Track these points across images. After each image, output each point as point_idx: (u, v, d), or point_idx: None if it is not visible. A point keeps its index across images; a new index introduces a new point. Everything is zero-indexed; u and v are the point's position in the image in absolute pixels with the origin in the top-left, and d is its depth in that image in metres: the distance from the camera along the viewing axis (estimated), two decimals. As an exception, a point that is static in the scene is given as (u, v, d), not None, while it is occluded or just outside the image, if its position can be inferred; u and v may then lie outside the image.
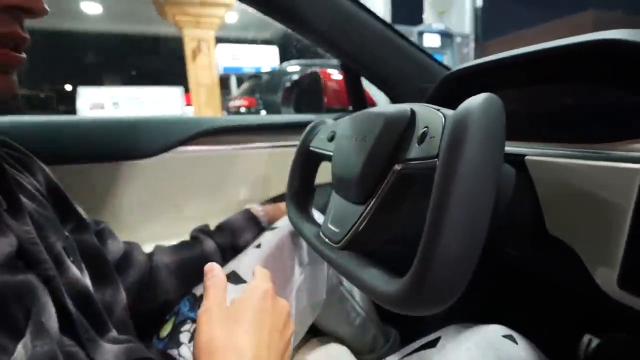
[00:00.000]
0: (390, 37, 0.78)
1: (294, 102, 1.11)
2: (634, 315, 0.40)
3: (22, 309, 0.29)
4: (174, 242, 0.62)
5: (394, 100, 0.87)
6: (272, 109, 4.40)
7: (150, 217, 0.76)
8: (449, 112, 0.31)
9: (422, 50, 0.82)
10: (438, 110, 0.33)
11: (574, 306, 0.67)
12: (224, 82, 8.01)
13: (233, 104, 4.90)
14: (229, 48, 8.10)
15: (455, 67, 0.61)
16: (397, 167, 0.37)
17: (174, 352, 0.49)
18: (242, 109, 4.60)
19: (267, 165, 0.85)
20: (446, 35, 4.34)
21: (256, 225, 0.68)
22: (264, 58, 8.14)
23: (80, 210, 0.49)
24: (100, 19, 9.27)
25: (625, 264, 0.33)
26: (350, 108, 0.99)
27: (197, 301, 0.56)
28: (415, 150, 0.34)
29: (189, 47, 7.55)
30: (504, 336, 0.43)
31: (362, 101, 0.94)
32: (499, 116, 0.26)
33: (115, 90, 7.10)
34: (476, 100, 0.27)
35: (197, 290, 0.58)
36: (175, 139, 0.74)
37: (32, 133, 0.64)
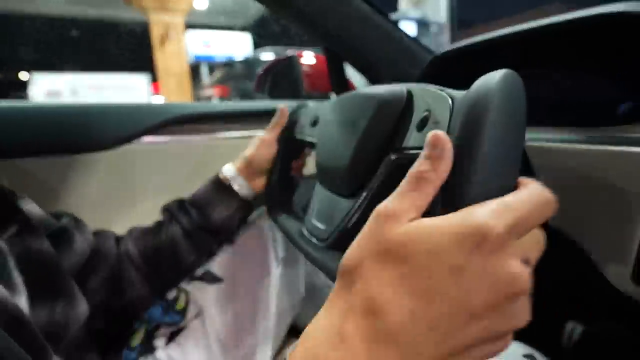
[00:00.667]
0: (374, 18, 0.73)
1: (268, 88, 1.05)
2: (628, 306, 0.38)
3: None
4: None
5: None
6: (246, 98, 4.28)
7: (108, 219, 0.68)
8: (456, 93, 0.27)
9: (407, 34, 0.78)
10: (442, 90, 0.29)
11: (556, 293, 0.67)
12: (194, 70, 7.71)
13: (205, 93, 4.73)
14: (200, 35, 7.79)
15: (446, 47, 0.58)
16: (392, 156, 0.33)
17: (147, 359, 0.44)
18: (215, 99, 4.45)
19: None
20: (422, 24, 4.34)
21: (229, 195, 0.53)
22: (237, 46, 7.89)
23: (31, 207, 0.42)
24: (59, 1, 8.64)
25: None
26: (333, 94, 0.94)
27: (170, 306, 0.51)
28: (414, 138, 0.30)
29: (156, 34, 7.19)
30: (525, 356, 0.40)
31: (344, 87, 0.90)
32: (521, 96, 0.23)
33: (73, 76, 6.66)
34: (494, 78, 0.23)
35: (170, 295, 0.52)
36: (137, 129, 0.66)
37: None
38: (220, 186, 0.54)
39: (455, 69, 0.58)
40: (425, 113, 0.29)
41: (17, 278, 0.37)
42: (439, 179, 0.22)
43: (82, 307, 0.41)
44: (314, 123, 0.49)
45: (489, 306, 0.18)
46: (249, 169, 0.54)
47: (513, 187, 0.22)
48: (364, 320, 0.19)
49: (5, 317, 0.29)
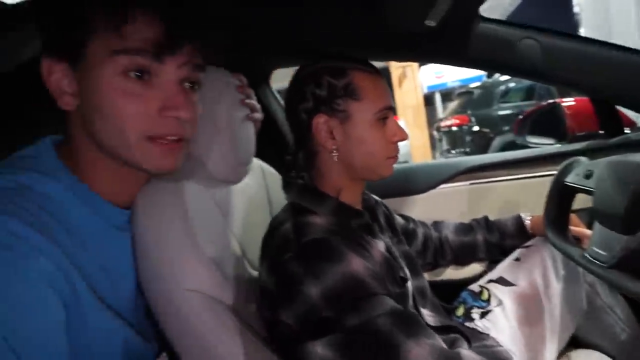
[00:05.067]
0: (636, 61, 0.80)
1: (528, 133, 1.20)
2: None
3: (396, 275, 0.59)
4: None
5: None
6: (486, 124, 4.29)
7: None
8: None
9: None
10: None
11: None
12: (428, 99, 8.30)
13: (444, 123, 5.07)
14: (431, 67, 8.35)
15: None
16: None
17: (470, 324, 0.74)
18: (454, 128, 4.71)
19: (513, 195, 1.00)
20: None
21: (524, 234, 0.83)
22: (469, 70, 7.91)
23: (399, 219, 0.83)
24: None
25: None
26: (601, 132, 1.00)
27: (476, 295, 0.79)
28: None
29: (395, 76, 8.25)
30: None
31: (618, 125, 0.95)
32: None
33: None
34: None
35: (476, 289, 0.81)
36: (439, 179, 1.02)
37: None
38: (521, 224, 0.84)
39: None
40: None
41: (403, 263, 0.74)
42: None
43: (426, 281, 0.75)
44: (587, 176, 0.66)
45: None
46: (535, 226, 0.83)
47: None
48: None
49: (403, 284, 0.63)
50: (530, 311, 0.73)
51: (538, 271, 0.76)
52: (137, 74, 0.42)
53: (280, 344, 0.53)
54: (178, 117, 0.44)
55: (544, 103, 1.17)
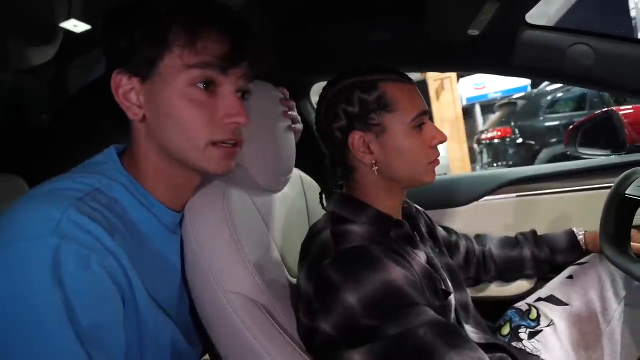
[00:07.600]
0: None
1: (580, 143, 1.13)
2: None
3: (437, 288, 0.57)
4: None
5: None
6: (531, 136, 4.10)
7: None
8: None
9: None
10: None
11: None
12: (467, 111, 8.03)
13: (485, 136, 4.89)
14: (471, 79, 8.12)
15: None
16: None
17: (518, 344, 0.70)
18: (496, 141, 4.52)
19: (563, 209, 0.94)
20: None
21: (577, 250, 0.78)
22: (511, 79, 7.59)
23: (444, 233, 0.80)
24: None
25: None
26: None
27: (524, 314, 0.75)
28: None
29: (432, 88, 8.09)
30: None
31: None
32: None
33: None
34: None
35: (523, 307, 0.76)
36: (482, 191, 0.99)
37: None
38: (574, 239, 0.79)
39: None
40: None
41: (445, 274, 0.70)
42: None
43: (469, 296, 0.71)
44: (652, 188, 0.61)
45: None
46: (589, 242, 0.78)
47: None
48: None
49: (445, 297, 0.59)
50: (586, 334, 0.68)
51: (594, 291, 0.71)
52: (205, 85, 0.45)
53: (318, 351, 0.52)
54: (238, 123, 0.47)
55: (598, 112, 1.09)
